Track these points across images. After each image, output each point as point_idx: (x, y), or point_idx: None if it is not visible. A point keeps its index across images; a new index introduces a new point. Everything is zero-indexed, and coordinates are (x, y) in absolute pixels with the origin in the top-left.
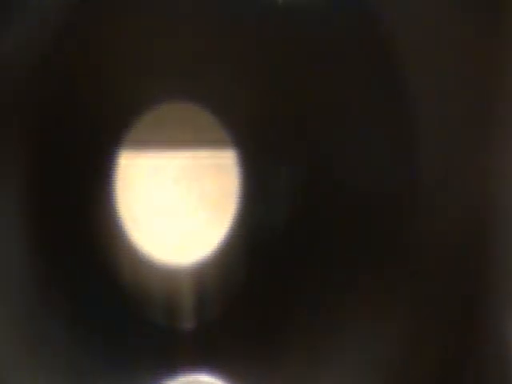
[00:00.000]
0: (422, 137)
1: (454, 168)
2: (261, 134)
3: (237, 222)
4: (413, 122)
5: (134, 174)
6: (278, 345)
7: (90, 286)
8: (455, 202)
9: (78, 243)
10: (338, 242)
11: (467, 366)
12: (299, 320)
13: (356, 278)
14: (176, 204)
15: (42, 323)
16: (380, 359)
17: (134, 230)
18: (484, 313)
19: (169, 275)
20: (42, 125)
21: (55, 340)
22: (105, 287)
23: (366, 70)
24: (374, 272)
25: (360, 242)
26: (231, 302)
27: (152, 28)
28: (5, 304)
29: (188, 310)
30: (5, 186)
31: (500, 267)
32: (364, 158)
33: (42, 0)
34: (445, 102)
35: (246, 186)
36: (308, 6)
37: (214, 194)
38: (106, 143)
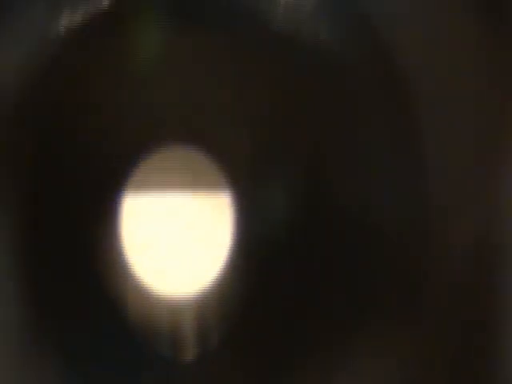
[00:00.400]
0: (432, 161)
1: (467, 193)
2: (257, 174)
3: (234, 253)
4: (423, 146)
5: (137, 211)
6: (280, 372)
7: (93, 321)
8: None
9: (81, 281)
10: (343, 270)
11: None
12: (302, 349)
13: (360, 309)
14: (176, 238)
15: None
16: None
17: (138, 265)
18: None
19: (171, 307)
20: (40, 161)
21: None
22: (108, 319)
23: (374, 104)
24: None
25: (364, 269)
26: (232, 330)
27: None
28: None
29: (191, 340)
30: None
31: None
32: (372, 186)
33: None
34: (457, 127)
35: (243, 222)
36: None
37: (211, 229)
38: (108, 184)
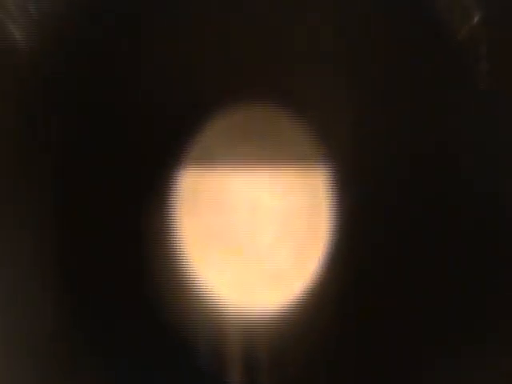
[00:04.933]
0: None
1: None
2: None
3: (329, 258)
4: None
5: (201, 196)
6: None
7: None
8: None
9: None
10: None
11: None
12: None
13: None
14: (253, 236)
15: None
16: None
17: (203, 268)
18: None
19: (244, 323)
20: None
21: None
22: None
23: None
24: None
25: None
26: (314, 358)
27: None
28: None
29: (266, 367)
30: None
31: None
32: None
33: None
34: None
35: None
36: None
37: (301, 223)
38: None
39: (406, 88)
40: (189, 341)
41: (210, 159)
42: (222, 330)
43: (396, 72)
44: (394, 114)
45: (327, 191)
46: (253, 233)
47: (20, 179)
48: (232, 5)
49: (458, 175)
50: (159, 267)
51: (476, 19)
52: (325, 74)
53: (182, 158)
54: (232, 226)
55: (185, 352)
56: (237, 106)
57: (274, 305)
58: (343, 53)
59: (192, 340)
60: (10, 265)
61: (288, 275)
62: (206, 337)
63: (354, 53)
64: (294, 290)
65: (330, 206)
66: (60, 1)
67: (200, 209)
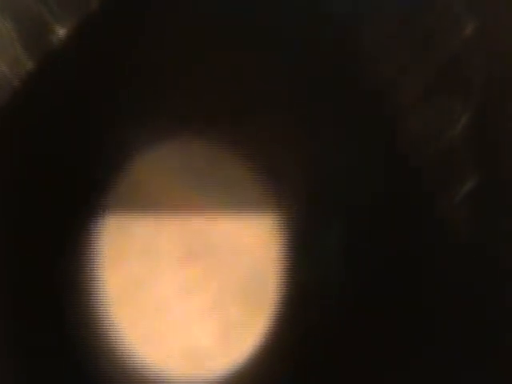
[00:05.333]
0: None
1: None
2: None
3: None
4: None
5: (129, 244)
6: None
7: None
8: None
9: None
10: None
11: None
12: None
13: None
14: (191, 289)
15: None
16: None
17: (129, 330)
18: None
19: None
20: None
21: None
22: None
23: None
24: None
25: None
26: None
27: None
28: None
29: None
30: None
31: None
32: None
33: None
34: None
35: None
36: None
37: (248, 274)
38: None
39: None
40: None
41: (140, 202)
42: None
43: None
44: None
45: (276, 239)
46: (189, 286)
47: None
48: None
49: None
50: (81, 328)
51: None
52: (274, 114)
53: (108, 201)
54: (166, 278)
55: None
56: (173, 143)
57: (217, 369)
58: (289, 93)
59: None
60: None
61: (234, 333)
62: None
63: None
64: (242, 349)
65: (279, 255)
66: None
67: (128, 259)
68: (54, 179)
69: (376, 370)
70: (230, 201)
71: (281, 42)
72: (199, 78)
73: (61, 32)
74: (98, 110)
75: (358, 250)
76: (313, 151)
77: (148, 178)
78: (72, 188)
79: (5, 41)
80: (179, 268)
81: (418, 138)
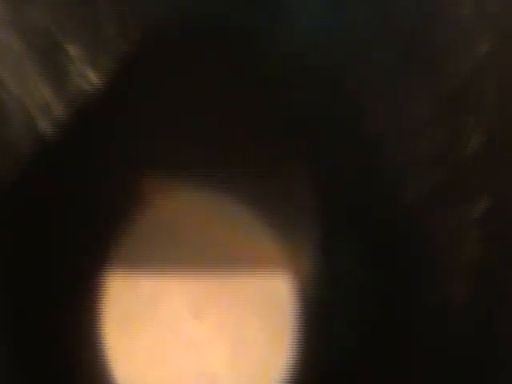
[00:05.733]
0: None
1: None
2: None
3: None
4: None
5: (133, 306)
6: None
7: None
8: None
9: None
10: None
11: None
12: None
13: None
14: (197, 355)
15: None
16: None
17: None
18: None
19: None
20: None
21: None
22: None
23: None
24: None
25: None
26: None
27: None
28: None
29: None
30: None
31: None
32: None
33: None
34: None
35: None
36: None
37: (257, 337)
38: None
39: None
40: None
41: (143, 261)
42: None
43: None
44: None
45: (288, 299)
46: (196, 351)
47: None
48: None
49: None
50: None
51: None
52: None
53: (108, 260)
54: (170, 343)
55: None
56: (176, 196)
57: None
58: None
59: None
60: None
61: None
62: None
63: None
64: (256, 376)
65: (292, 314)
66: None
67: (131, 323)
68: (58, 230)
69: None
70: (241, 256)
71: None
72: (202, 124)
73: (91, 75)
74: (105, 157)
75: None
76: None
77: (154, 230)
78: (75, 241)
79: (32, 83)
80: (189, 323)
81: (426, 160)
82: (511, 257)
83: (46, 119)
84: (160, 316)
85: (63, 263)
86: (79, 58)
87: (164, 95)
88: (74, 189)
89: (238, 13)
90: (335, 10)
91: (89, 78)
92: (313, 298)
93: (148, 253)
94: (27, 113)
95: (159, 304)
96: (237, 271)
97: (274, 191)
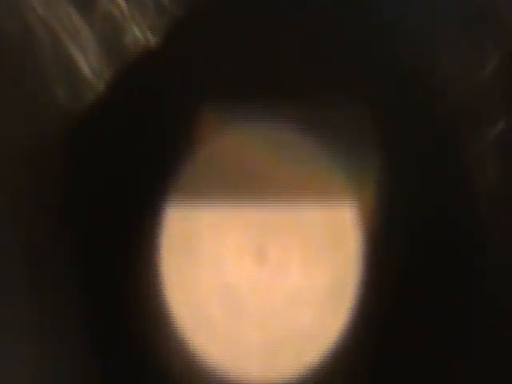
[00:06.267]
0: None
1: None
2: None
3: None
4: None
5: (192, 240)
6: None
7: None
8: None
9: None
10: None
11: None
12: None
13: None
14: (259, 291)
15: None
16: None
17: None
18: None
19: None
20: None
21: None
22: None
23: None
24: None
25: None
26: None
27: None
28: None
29: None
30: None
31: None
32: None
33: None
34: None
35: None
36: None
37: (322, 273)
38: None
39: None
40: None
41: (203, 195)
42: None
43: None
44: None
45: (355, 233)
46: (258, 287)
47: None
48: None
49: None
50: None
51: None
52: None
53: (170, 195)
54: (231, 277)
55: None
56: (238, 129)
57: (290, 373)
58: None
59: None
60: None
61: (307, 335)
62: None
63: None
64: (310, 357)
65: (359, 251)
66: None
67: (191, 256)
68: (118, 168)
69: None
70: (305, 189)
71: None
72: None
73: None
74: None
75: None
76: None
77: (216, 164)
78: (135, 176)
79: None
80: (251, 265)
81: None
82: None
83: (76, 44)
84: (221, 252)
85: (125, 200)
86: None
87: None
88: (133, 123)
89: None
90: None
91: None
92: (377, 230)
93: (209, 187)
94: (55, 36)
95: (220, 239)
96: (300, 204)
97: (339, 123)
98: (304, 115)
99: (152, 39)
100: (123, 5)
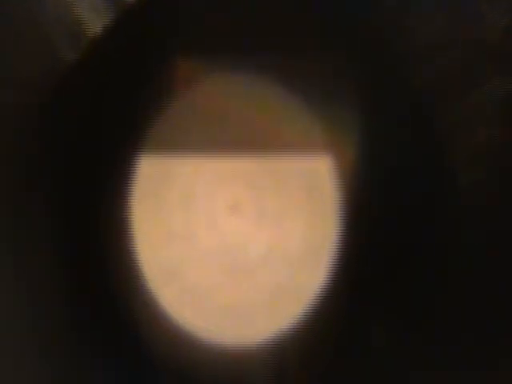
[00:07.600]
0: None
1: None
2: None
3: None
4: None
5: (167, 191)
6: None
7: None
8: None
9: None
10: None
11: None
12: None
13: None
14: (235, 244)
15: None
16: None
17: (164, 291)
18: None
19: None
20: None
21: None
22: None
23: None
24: None
25: None
26: None
27: None
28: None
29: None
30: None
31: None
32: None
33: None
34: None
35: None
36: None
37: (299, 227)
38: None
39: None
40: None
41: (177, 144)
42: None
43: None
44: None
45: (332, 184)
46: (234, 239)
47: None
48: None
49: None
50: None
51: None
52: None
53: (142, 147)
54: (203, 229)
55: None
56: (214, 80)
57: (266, 333)
58: None
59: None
60: None
61: (283, 294)
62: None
63: None
64: (292, 312)
65: (337, 204)
66: None
67: (162, 205)
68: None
69: None
70: (281, 140)
71: None
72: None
73: None
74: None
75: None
76: None
77: (190, 115)
78: (110, 125)
79: None
80: (225, 218)
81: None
82: None
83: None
84: (192, 202)
85: (97, 150)
86: None
87: None
88: (108, 75)
89: None
90: None
91: None
92: (354, 181)
93: (183, 138)
94: None
95: (193, 189)
96: (276, 155)
97: (316, 74)
98: (280, 66)
99: None
100: None
